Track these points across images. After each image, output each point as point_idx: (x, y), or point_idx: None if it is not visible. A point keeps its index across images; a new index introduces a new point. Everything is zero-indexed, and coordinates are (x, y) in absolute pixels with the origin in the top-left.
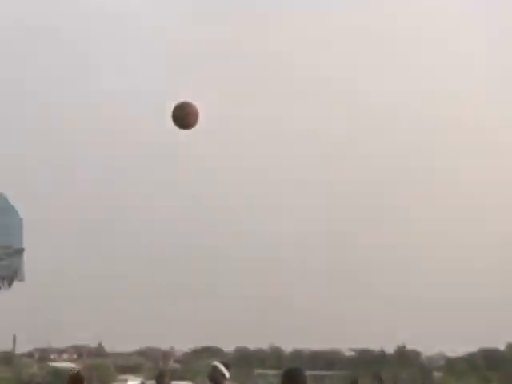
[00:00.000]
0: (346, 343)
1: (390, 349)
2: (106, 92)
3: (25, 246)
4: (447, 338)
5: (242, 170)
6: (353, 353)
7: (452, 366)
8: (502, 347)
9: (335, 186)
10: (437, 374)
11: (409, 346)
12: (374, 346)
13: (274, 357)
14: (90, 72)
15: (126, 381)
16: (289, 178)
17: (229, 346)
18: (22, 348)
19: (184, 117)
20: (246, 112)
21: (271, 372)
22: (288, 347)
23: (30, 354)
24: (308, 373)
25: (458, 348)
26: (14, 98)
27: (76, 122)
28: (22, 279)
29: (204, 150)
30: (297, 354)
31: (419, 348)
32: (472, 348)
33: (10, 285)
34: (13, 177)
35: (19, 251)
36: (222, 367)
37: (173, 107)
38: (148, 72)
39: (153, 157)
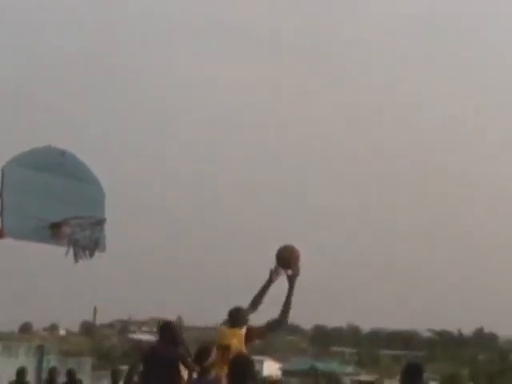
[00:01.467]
0: (424, 324)
1: (467, 331)
2: None
3: (107, 217)
4: None
5: None
6: (430, 334)
7: None
8: None
9: None
10: None
11: (486, 329)
12: (452, 327)
13: (351, 335)
14: None
15: None
16: None
17: (307, 324)
18: (103, 319)
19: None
20: None
21: (348, 350)
22: (366, 327)
23: (110, 326)
24: (385, 352)
25: None
26: None
27: None
28: (103, 250)
29: None
30: (374, 334)
31: (497, 331)
32: None
33: (91, 255)
34: (97, 149)
35: (101, 222)
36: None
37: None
38: None
39: None
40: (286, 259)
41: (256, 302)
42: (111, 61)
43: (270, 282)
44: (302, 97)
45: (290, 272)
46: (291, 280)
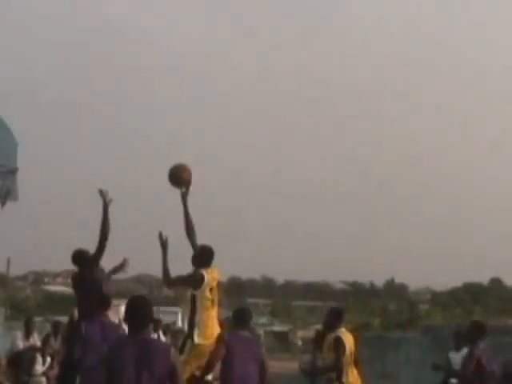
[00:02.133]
0: (337, 276)
1: (379, 282)
2: None
3: (19, 166)
4: (433, 273)
5: None
6: (343, 285)
7: (437, 299)
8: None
9: None
10: (423, 307)
11: (397, 280)
12: (364, 279)
13: (266, 287)
14: None
15: (119, 306)
16: None
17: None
18: (16, 271)
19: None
20: None
21: (263, 301)
22: (280, 278)
23: (23, 277)
24: (299, 303)
25: (444, 282)
26: None
27: None
28: (15, 199)
29: None
30: (288, 285)
31: (407, 282)
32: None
33: (3, 205)
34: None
35: (13, 171)
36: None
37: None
38: None
39: None
40: (179, 177)
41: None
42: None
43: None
44: None
45: (183, 189)
46: (184, 197)
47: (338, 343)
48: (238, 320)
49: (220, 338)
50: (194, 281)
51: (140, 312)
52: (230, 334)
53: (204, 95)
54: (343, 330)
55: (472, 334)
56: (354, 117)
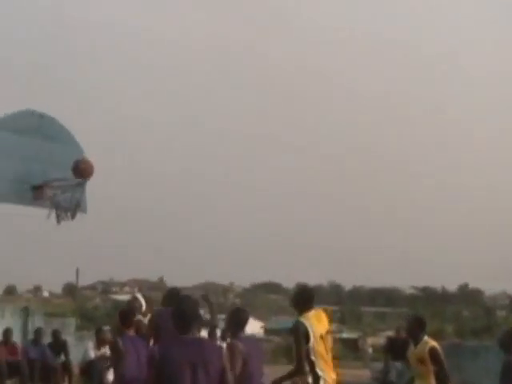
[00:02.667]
0: (407, 281)
1: (451, 287)
2: None
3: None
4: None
5: None
6: (413, 290)
7: None
8: None
9: None
10: (500, 313)
11: (471, 285)
12: (436, 284)
13: (333, 293)
14: None
15: None
16: None
17: (288, 282)
18: (85, 281)
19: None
20: None
21: (330, 308)
22: (347, 284)
23: (92, 287)
24: (368, 309)
25: None
26: None
27: None
28: (84, 211)
29: None
30: (356, 291)
31: (482, 287)
32: None
33: (73, 217)
34: (76, 108)
35: (82, 184)
36: (141, 299)
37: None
38: None
39: None
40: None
41: None
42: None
43: None
44: None
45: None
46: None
47: (436, 353)
48: (238, 322)
49: (232, 347)
50: (299, 339)
51: (187, 312)
52: (239, 341)
53: None
54: (427, 338)
55: None
56: None
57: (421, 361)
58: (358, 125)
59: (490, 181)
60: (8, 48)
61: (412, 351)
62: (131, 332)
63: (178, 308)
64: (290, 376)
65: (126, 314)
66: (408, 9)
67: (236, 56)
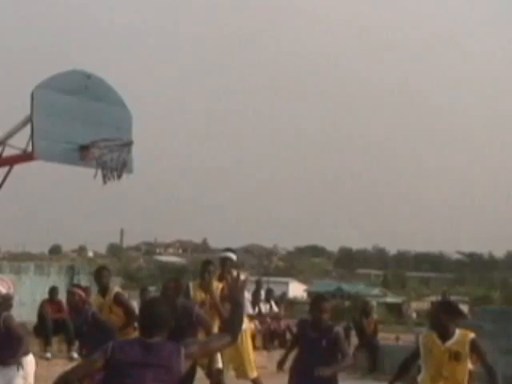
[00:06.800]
0: (454, 246)
1: (499, 253)
2: None
3: (134, 139)
4: None
5: None
6: (459, 256)
7: None
8: None
9: None
10: None
11: None
12: (483, 250)
13: (377, 258)
14: None
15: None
16: None
17: (333, 246)
18: (130, 241)
19: None
20: None
21: (374, 272)
22: (392, 249)
23: (136, 248)
24: (413, 274)
25: None
26: None
27: None
28: (130, 171)
29: None
30: (401, 256)
31: None
32: None
33: (119, 177)
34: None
35: (128, 144)
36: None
37: None
38: None
39: None
40: None
41: None
42: None
43: None
44: None
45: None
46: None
47: (478, 345)
48: None
49: None
50: None
51: (148, 316)
52: None
53: None
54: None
55: None
56: None
57: (456, 357)
58: None
59: None
60: None
61: (440, 345)
62: None
63: (140, 312)
64: None
65: None
66: None
67: None
